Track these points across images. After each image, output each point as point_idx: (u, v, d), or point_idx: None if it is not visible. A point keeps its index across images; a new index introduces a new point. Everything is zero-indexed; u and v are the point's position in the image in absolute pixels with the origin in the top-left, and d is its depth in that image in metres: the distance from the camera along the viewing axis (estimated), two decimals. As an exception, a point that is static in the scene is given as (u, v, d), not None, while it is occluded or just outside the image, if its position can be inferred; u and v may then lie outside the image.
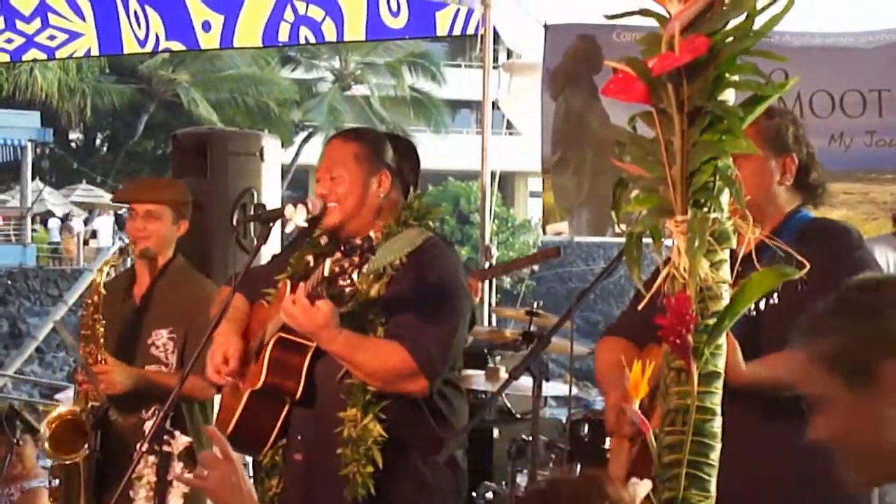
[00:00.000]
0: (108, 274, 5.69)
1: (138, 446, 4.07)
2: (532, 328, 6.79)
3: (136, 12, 7.60)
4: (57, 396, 10.88)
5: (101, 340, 5.42)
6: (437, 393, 4.48)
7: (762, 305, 3.81)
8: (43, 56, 7.97)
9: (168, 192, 5.76)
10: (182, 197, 5.77)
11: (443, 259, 4.59)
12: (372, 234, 4.38)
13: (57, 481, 5.52)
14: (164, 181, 6.29)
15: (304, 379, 4.41)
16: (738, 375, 3.53)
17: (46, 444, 5.35)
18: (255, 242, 4.70)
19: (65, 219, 38.25)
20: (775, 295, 3.79)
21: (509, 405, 6.75)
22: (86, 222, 39.05)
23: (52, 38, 7.73)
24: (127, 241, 5.76)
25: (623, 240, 3.25)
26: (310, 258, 4.58)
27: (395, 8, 7.62)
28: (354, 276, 4.16)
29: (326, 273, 4.09)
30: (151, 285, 5.66)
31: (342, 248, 4.11)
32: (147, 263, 5.64)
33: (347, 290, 4.37)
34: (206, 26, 7.65)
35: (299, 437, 4.50)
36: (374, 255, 4.11)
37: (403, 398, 4.39)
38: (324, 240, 4.60)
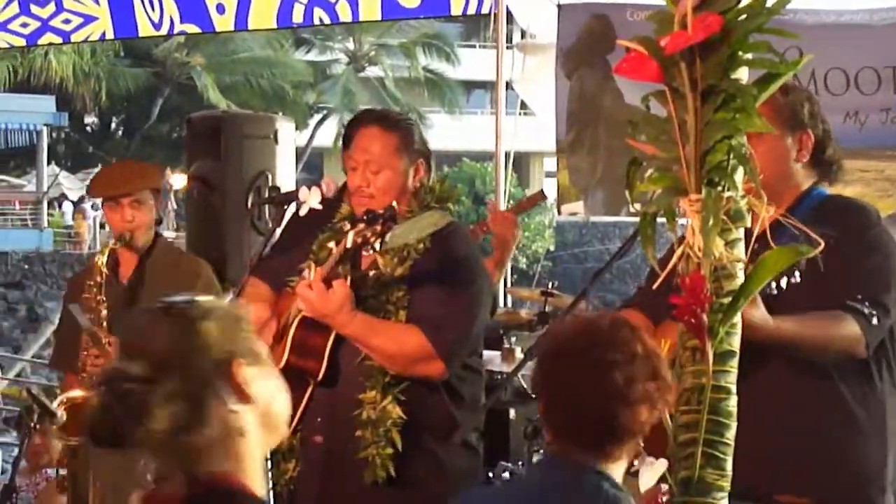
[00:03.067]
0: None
1: None
2: (547, 308, 6.79)
3: (149, -5, 7.61)
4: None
5: (105, 323, 5.45)
6: (456, 376, 4.49)
7: (783, 284, 3.81)
8: (58, 40, 7.99)
9: (149, 179, 5.81)
10: (160, 180, 5.86)
11: (465, 243, 4.62)
12: (395, 203, 4.36)
13: (64, 471, 5.54)
14: (137, 166, 6.29)
15: (326, 360, 4.41)
16: (762, 326, 3.53)
17: (54, 427, 5.37)
18: (270, 225, 4.71)
19: (78, 202, 38.29)
20: (797, 273, 3.80)
21: (525, 386, 6.75)
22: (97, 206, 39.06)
23: (66, 21, 7.74)
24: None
25: (638, 219, 3.25)
26: (332, 245, 4.57)
27: (409, -13, 7.63)
28: (377, 245, 4.15)
29: (349, 245, 4.09)
30: (140, 265, 5.68)
31: (364, 217, 4.12)
32: (130, 245, 5.65)
33: (371, 273, 4.39)
34: (220, 9, 7.66)
35: (319, 420, 4.50)
36: (395, 223, 4.11)
37: (422, 381, 4.40)
38: (345, 226, 4.59)
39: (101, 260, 5.56)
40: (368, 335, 4.30)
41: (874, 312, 3.75)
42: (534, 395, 3.17)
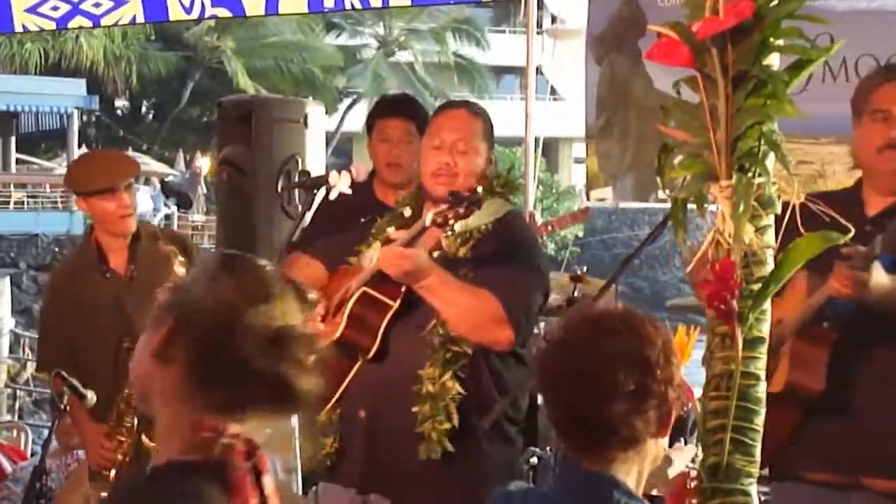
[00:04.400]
0: None
1: None
2: (577, 294, 6.79)
3: (180, -21, 7.59)
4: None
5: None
6: (502, 361, 4.49)
7: None
8: (88, 24, 7.98)
9: (133, 164, 5.84)
10: (137, 169, 5.89)
11: (526, 228, 4.76)
12: (480, 189, 4.35)
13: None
14: (114, 154, 6.29)
15: (380, 337, 4.41)
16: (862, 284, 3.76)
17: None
18: (300, 209, 4.73)
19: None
20: None
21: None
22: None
23: (97, 5, 7.73)
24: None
25: (668, 205, 3.25)
26: (391, 229, 4.58)
27: (439, -27, 7.63)
28: (457, 227, 4.16)
29: (428, 223, 4.10)
30: (134, 254, 5.64)
31: (449, 198, 4.13)
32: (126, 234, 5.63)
33: (435, 253, 4.40)
34: (252, -7, 7.64)
35: (364, 396, 4.48)
36: (479, 208, 4.12)
37: (471, 363, 4.41)
38: (406, 212, 4.61)
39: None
40: (446, 288, 4.30)
41: None
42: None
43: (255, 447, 2.27)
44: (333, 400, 4.49)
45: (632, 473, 2.84)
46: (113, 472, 5.49)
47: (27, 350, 19.27)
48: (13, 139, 38.43)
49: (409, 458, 4.38)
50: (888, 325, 3.87)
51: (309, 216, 5.06)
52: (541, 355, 2.98)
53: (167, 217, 33.34)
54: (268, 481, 2.26)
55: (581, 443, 2.86)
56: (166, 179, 36.58)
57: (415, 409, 4.35)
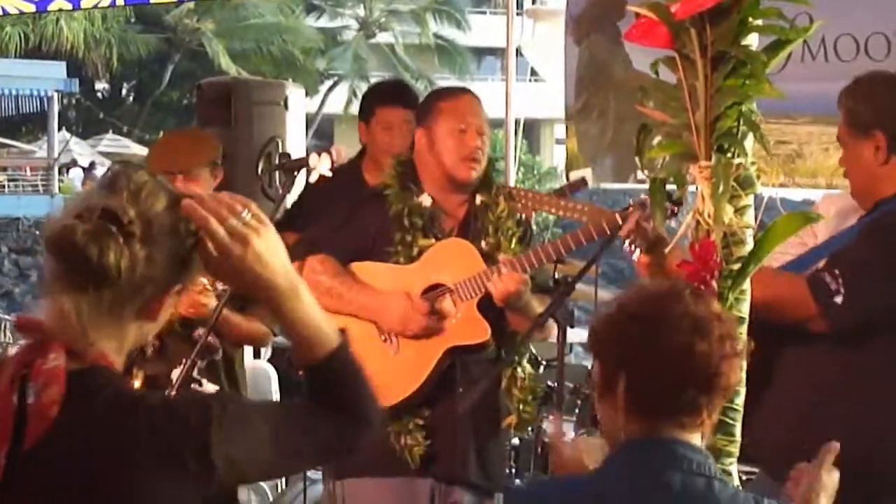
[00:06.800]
0: None
1: (165, 394, 4.10)
2: (557, 275, 6.79)
3: (159, -39, 7.59)
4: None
5: None
6: None
7: None
8: (68, 6, 7.95)
9: (204, 153, 5.66)
10: (216, 153, 5.66)
11: None
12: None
13: None
14: (194, 136, 6.15)
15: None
16: None
17: None
18: (280, 191, 4.70)
19: (88, 168, 38.23)
20: None
21: (535, 352, 6.76)
22: (113, 172, 38.97)
23: (76, -12, 7.71)
24: None
25: (648, 186, 3.26)
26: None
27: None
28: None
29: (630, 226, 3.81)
30: None
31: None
32: None
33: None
34: (231, -25, 7.63)
35: (461, 390, 4.48)
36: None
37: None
38: (426, 201, 4.55)
39: None
40: (531, 308, 4.43)
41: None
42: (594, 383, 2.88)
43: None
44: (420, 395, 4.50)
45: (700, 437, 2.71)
46: None
47: (8, 333, 19.21)
48: (-7, 122, 38.37)
49: (489, 434, 4.56)
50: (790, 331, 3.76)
51: (289, 198, 5.03)
52: (624, 352, 2.78)
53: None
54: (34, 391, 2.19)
55: (683, 413, 2.67)
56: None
57: (504, 389, 4.53)
